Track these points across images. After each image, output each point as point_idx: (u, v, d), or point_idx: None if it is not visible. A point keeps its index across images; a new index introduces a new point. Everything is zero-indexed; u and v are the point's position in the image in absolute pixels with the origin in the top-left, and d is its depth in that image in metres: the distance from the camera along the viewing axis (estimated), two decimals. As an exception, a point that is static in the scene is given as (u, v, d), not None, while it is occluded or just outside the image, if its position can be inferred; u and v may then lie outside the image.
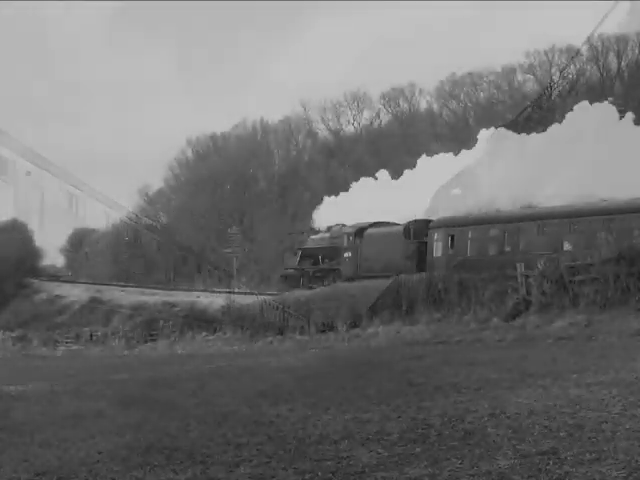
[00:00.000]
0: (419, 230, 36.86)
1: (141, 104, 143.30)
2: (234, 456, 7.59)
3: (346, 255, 40.77)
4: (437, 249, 35.35)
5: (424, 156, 50.25)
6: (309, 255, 44.20)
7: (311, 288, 39.64)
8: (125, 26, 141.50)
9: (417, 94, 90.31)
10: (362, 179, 52.06)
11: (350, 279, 37.93)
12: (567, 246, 29.98)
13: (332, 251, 42.15)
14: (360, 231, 40.35)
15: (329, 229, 44.30)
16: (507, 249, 32.16)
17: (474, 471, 6.21)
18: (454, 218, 36.06)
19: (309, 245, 44.94)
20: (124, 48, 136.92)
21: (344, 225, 42.47)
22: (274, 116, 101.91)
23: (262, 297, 36.02)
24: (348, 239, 41.07)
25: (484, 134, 45.91)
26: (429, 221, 37.39)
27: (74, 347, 44.94)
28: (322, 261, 43.03)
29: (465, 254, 33.79)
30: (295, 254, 46.59)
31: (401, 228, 38.10)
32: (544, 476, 5.91)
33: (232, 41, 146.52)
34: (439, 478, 6.17)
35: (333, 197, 51.45)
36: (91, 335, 45.41)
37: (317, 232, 45.89)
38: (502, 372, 11.55)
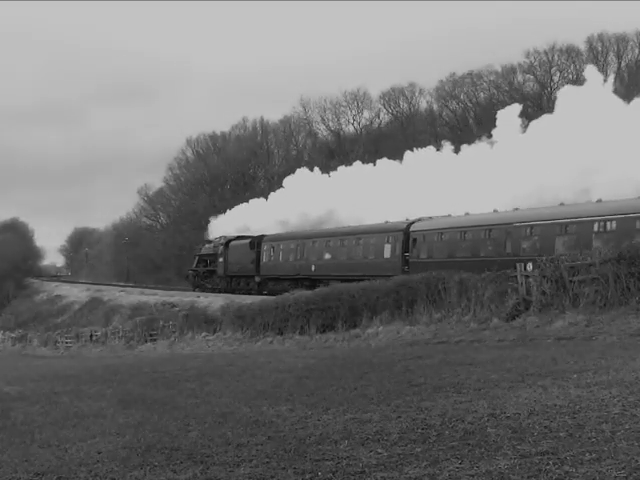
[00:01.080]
0: (259, 242, 51.08)
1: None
2: (234, 456, 7.60)
3: (220, 260, 55.06)
4: (265, 256, 50.40)
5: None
6: (202, 260, 59.25)
7: (201, 284, 57.26)
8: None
9: (417, 94, 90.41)
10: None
11: (221, 277, 54.59)
12: (327, 256, 44.12)
13: (214, 257, 56.50)
14: (228, 242, 54.61)
15: (214, 240, 58.80)
16: (298, 257, 46.63)
17: (474, 471, 6.21)
18: (275, 235, 51.84)
19: (202, 252, 59.98)
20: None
21: (224, 237, 56.19)
22: (274, 116, 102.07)
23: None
24: (220, 248, 55.22)
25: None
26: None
27: (74, 347, 45.00)
28: (209, 264, 57.55)
29: (278, 260, 48.91)
30: (194, 258, 61.72)
31: (248, 241, 52.05)
32: (544, 476, 5.91)
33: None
34: (439, 478, 6.18)
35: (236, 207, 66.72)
36: (91, 335, 45.48)
37: (210, 242, 59.84)
38: (502, 372, 11.55)
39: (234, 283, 53.26)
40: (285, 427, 8.90)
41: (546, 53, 78.18)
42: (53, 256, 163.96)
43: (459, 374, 11.83)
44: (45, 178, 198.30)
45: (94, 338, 44.86)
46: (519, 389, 9.77)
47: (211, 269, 56.89)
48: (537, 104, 73.94)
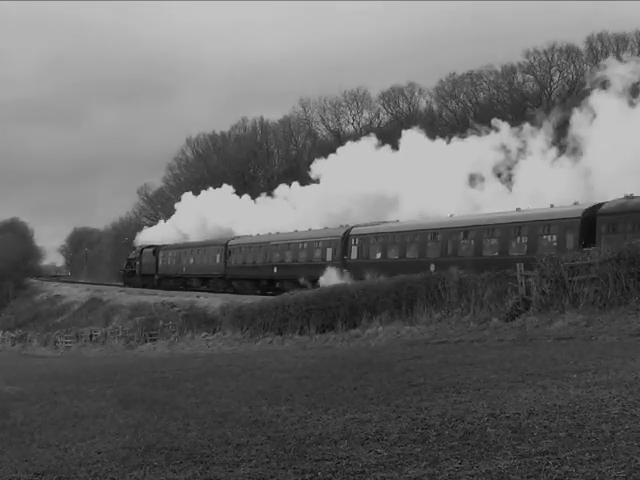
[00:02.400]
0: (158, 250, 68.74)
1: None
2: (234, 456, 7.59)
3: (137, 263, 73.15)
4: (161, 261, 68.39)
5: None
6: (130, 263, 76.12)
7: (129, 281, 73.94)
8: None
9: (417, 94, 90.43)
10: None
11: (138, 275, 71.97)
12: (191, 261, 61.94)
13: (135, 260, 74.05)
14: (142, 250, 72.55)
15: (136, 247, 76.97)
16: (177, 261, 65.03)
17: (474, 471, 6.21)
18: (167, 245, 69.34)
19: (130, 256, 77.14)
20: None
21: (142, 245, 74.48)
22: (274, 116, 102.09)
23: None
24: (137, 254, 73.56)
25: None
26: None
27: (74, 347, 44.99)
28: (133, 266, 74.28)
29: (167, 264, 67.10)
30: (125, 261, 79.38)
31: (152, 249, 69.99)
32: (544, 476, 5.91)
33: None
34: (439, 478, 6.18)
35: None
36: (91, 335, 45.46)
37: (134, 249, 77.57)
38: (502, 372, 11.55)
39: (145, 280, 70.41)
40: (285, 427, 8.90)
41: (546, 53, 78.24)
42: (53, 256, 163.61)
43: (459, 374, 11.83)
44: (45, 178, 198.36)
45: (94, 338, 44.85)
46: (519, 389, 9.77)
47: (133, 270, 74.14)
48: (537, 104, 73.99)
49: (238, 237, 56.28)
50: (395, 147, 54.91)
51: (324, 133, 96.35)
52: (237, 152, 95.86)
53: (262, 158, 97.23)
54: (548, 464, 6.17)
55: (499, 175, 44.55)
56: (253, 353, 24.26)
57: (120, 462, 7.86)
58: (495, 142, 46.19)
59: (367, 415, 9.05)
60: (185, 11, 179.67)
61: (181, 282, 63.06)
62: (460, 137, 51.56)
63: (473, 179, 44.99)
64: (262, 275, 49.88)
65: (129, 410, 11.86)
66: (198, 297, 48.20)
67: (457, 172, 44.46)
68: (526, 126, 46.25)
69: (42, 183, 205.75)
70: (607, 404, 8.22)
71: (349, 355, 18.37)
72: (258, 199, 69.95)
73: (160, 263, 68.10)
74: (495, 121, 49.58)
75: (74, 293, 73.60)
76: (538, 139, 43.94)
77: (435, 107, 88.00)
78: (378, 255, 38.87)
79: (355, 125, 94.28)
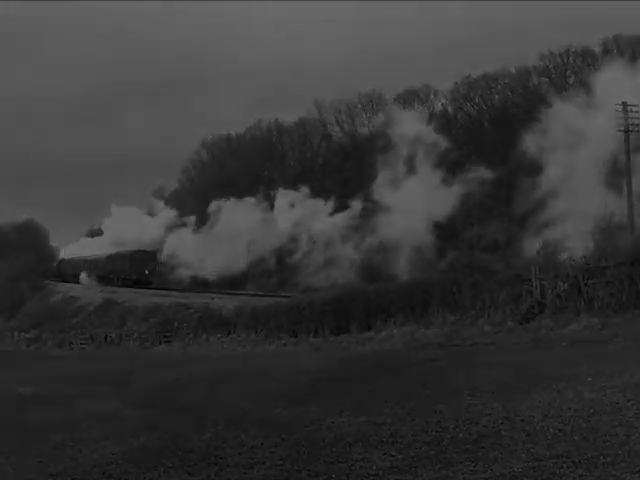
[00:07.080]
0: (62, 262, 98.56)
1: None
2: (248, 458, 7.60)
3: (57, 267, 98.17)
4: (63, 267, 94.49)
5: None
6: (57, 267, 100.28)
7: (58, 279, 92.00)
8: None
9: (432, 96, 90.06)
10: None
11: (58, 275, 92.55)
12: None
13: (61, 264, 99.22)
14: (62, 260, 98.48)
15: (60, 258, 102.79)
16: (70, 268, 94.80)
17: (488, 474, 6.20)
18: (67, 259, 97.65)
19: (58, 262, 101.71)
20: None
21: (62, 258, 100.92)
22: (289, 118, 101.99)
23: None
24: (58, 263, 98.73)
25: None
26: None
27: (88, 348, 45.10)
28: (61, 268, 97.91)
29: (66, 268, 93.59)
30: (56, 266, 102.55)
31: (60, 260, 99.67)
32: (558, 479, 5.90)
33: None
34: (452, 481, 6.17)
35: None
36: (105, 336, 45.52)
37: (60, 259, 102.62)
38: (516, 375, 11.52)
39: (57, 277, 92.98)
40: (299, 429, 8.90)
41: (561, 56, 77.76)
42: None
43: (473, 377, 11.80)
44: (60, 178, 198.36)
45: (108, 339, 44.94)
46: (533, 392, 9.74)
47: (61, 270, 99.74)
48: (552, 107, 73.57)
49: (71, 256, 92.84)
50: None
51: (339, 135, 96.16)
52: (252, 154, 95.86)
53: (277, 160, 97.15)
54: (562, 467, 6.15)
55: None
56: (267, 355, 24.27)
57: (134, 464, 7.88)
58: None
59: (381, 417, 9.04)
60: (189, 13, 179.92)
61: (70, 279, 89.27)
62: None
63: None
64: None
65: (143, 411, 11.89)
66: (213, 299, 48.12)
67: None
68: None
69: (57, 184, 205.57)
70: (622, 408, 8.19)
71: (363, 357, 18.35)
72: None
73: (62, 267, 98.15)
74: None
75: (89, 294, 73.71)
76: None
77: (450, 109, 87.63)
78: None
79: (370, 127, 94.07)
